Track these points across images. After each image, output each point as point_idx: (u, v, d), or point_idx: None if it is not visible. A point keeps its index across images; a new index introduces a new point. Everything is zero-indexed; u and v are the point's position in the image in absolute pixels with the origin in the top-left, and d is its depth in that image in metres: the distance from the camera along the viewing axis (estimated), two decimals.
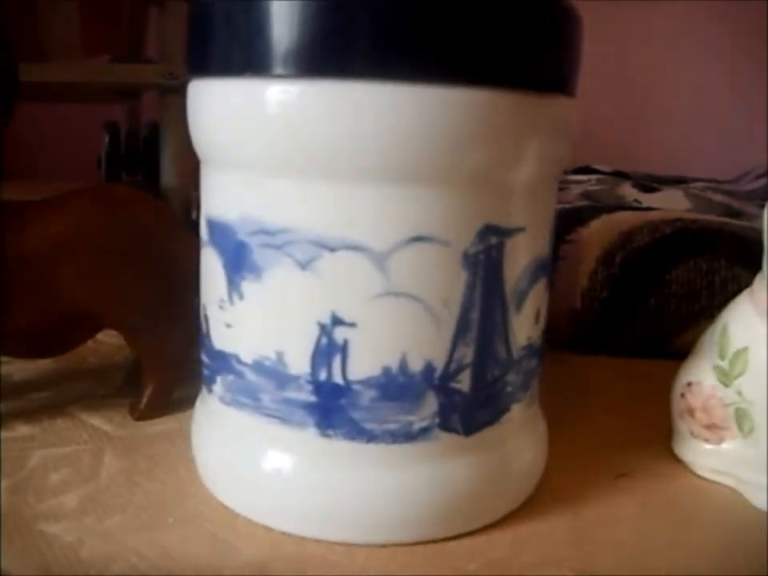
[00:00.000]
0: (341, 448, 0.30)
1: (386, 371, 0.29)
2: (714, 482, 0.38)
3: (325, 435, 0.30)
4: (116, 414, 0.43)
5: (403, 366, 0.30)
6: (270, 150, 0.29)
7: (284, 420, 0.31)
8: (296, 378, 0.30)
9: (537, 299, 0.33)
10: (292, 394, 0.30)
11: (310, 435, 0.31)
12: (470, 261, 0.29)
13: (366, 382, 0.30)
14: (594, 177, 0.88)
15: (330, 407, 0.30)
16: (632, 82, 1.19)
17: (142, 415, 0.42)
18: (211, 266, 0.33)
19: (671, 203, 0.74)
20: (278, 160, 0.29)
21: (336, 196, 0.29)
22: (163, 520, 0.33)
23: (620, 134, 1.16)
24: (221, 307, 0.32)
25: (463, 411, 0.31)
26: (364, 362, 0.30)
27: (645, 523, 0.34)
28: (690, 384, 0.38)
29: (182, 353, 0.42)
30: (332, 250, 0.29)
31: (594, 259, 0.55)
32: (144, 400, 0.43)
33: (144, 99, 1.07)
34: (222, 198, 0.32)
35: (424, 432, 0.30)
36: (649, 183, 0.85)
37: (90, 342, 0.54)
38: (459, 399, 0.31)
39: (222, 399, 0.33)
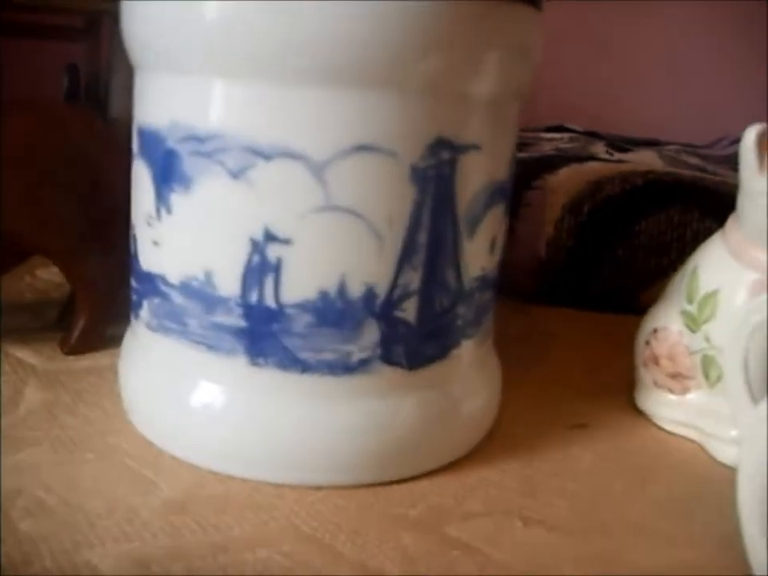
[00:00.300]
0: (272, 378, 0.28)
1: (323, 295, 0.27)
2: (676, 435, 0.36)
3: (255, 364, 0.28)
4: (45, 347, 0.41)
5: (342, 289, 0.27)
6: (204, 47, 0.26)
7: (211, 347, 0.28)
8: (225, 301, 0.27)
9: (492, 226, 0.30)
10: (220, 318, 0.28)
11: (239, 364, 0.28)
12: (418, 176, 0.27)
13: (301, 306, 0.27)
14: (566, 135, 0.85)
15: (261, 333, 0.27)
16: (609, 47, 1.16)
17: (72, 349, 0.40)
18: (140, 180, 0.30)
19: (644, 161, 0.72)
20: (210, 57, 0.26)
21: (273, 98, 0.26)
22: (80, 455, 0.30)
23: (594, 98, 1.13)
24: (148, 224, 0.29)
25: (408, 343, 0.28)
26: (299, 284, 0.27)
27: (600, 475, 0.32)
28: (655, 330, 0.36)
29: (116, 284, 0.39)
30: (267, 158, 0.26)
31: (560, 207, 0.52)
32: (75, 333, 0.40)
33: (104, 43, 1.02)
34: (153, 103, 0.29)
35: (364, 364, 0.28)
36: (622, 144, 0.83)
37: (27, 278, 0.51)
38: (404, 330, 0.28)
39: (148, 325, 0.30)
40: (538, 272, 0.53)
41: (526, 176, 0.54)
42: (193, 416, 0.29)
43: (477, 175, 0.29)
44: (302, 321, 0.27)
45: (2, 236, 0.36)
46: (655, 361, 0.36)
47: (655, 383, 0.36)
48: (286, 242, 0.26)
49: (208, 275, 0.28)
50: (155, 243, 0.29)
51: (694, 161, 0.80)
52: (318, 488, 0.29)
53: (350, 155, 0.26)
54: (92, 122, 0.39)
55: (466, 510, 0.29)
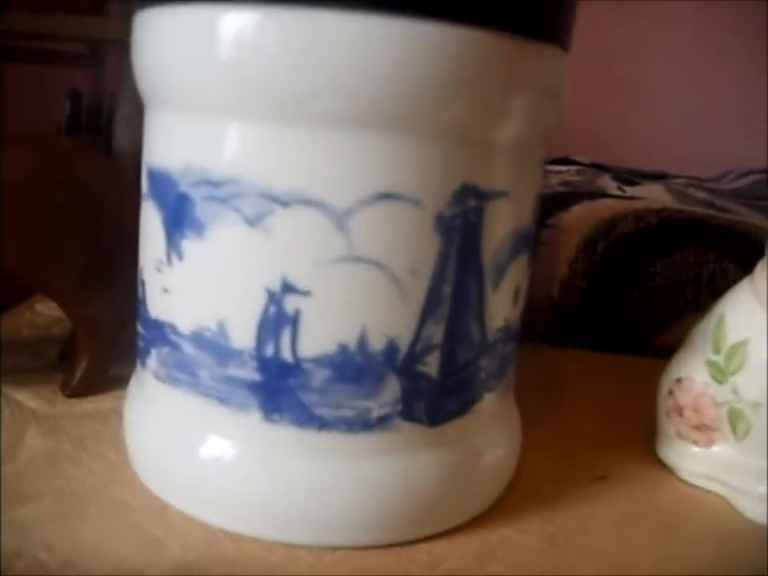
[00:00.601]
0: (287, 435, 0.26)
1: (342, 348, 0.26)
2: (701, 489, 0.35)
3: (270, 420, 0.26)
4: (46, 389, 0.39)
5: (362, 343, 0.26)
6: (219, 86, 0.25)
7: (224, 401, 0.27)
8: (239, 353, 0.26)
9: (517, 275, 0.29)
10: (234, 371, 0.26)
11: (253, 419, 0.27)
12: (444, 225, 0.26)
13: (319, 361, 0.26)
14: (573, 168, 0.85)
15: (277, 388, 0.26)
16: (614, 77, 1.16)
17: (73, 392, 0.38)
18: (150, 223, 0.29)
19: (654, 197, 0.71)
20: (226, 98, 0.25)
21: (293, 142, 0.25)
22: (83, 510, 0.29)
23: (600, 129, 1.13)
24: (158, 269, 0.28)
25: (429, 399, 0.27)
26: (317, 337, 0.26)
27: (626, 534, 0.31)
28: (679, 380, 0.35)
29: (120, 324, 0.38)
30: (285, 204, 0.25)
31: (574, 246, 0.51)
32: (77, 375, 0.38)
33: (109, 70, 1.02)
34: (165, 143, 0.28)
35: (383, 421, 0.27)
36: (629, 177, 0.82)
37: (26, 313, 0.50)
38: (425, 384, 0.27)
39: (156, 375, 0.29)
40: (551, 313, 0.52)
41: (540, 213, 0.53)
42: (202, 471, 0.28)
43: (503, 223, 0.28)
44: (320, 376, 0.26)
45: (2, 274, 0.35)
46: (679, 411, 0.35)
47: (678, 434, 0.35)
48: (305, 293, 0.25)
49: (221, 326, 0.26)
50: (165, 290, 0.28)
51: (701, 195, 0.80)
52: (335, 549, 0.28)
53: (372, 203, 0.25)
54: (95, 157, 0.38)
55: (489, 573, 0.27)
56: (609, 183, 0.78)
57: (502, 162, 0.27)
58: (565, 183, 0.75)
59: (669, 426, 0.36)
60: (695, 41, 1.16)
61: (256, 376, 0.26)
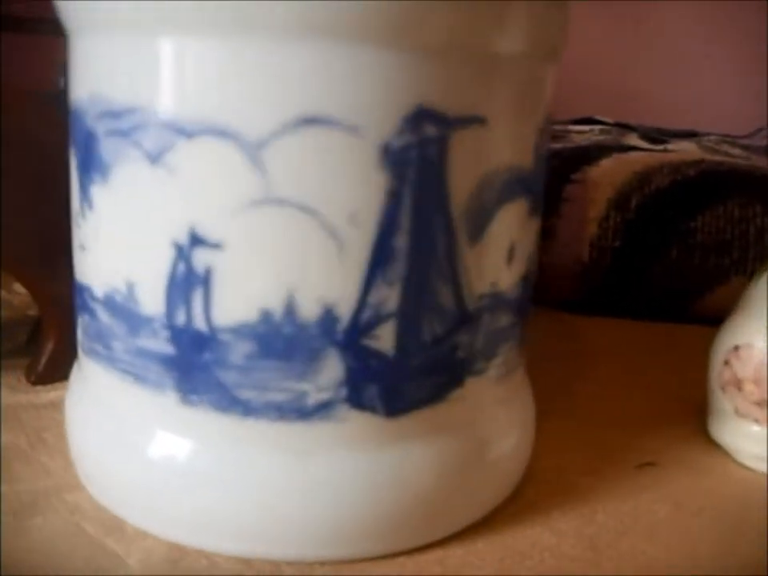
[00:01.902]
0: (209, 421, 0.22)
1: (266, 316, 0.20)
2: (763, 475, 0.30)
3: (187, 402, 0.22)
4: (10, 375, 0.35)
5: (290, 310, 0.20)
6: None
7: (138, 378, 0.22)
8: (149, 321, 0.21)
9: (509, 228, 0.23)
10: (145, 341, 0.22)
11: (169, 401, 0.22)
12: (392, 159, 0.20)
13: (238, 331, 0.21)
14: (596, 127, 0.80)
15: (191, 363, 0.21)
16: (639, 32, 1.11)
17: (39, 378, 0.35)
18: (72, 171, 0.24)
19: (688, 152, 0.66)
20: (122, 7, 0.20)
21: (196, 57, 0.20)
22: (30, 519, 0.24)
23: (625, 87, 1.08)
24: (77, 224, 0.24)
25: (384, 382, 0.21)
26: (234, 302, 0.21)
27: (680, 531, 0.26)
28: (737, 348, 0.30)
29: None
30: (189, 135, 0.20)
31: (604, 202, 0.46)
32: (42, 359, 0.34)
33: None
34: (76, 73, 0.23)
35: (324, 408, 0.21)
36: (657, 135, 0.77)
37: (3, 293, 0.46)
38: (378, 364, 0.21)
39: (82, 347, 0.25)
40: (580, 277, 0.47)
41: (564, 168, 0.48)
42: (121, 461, 0.23)
43: (480, 159, 0.22)
44: (241, 350, 0.21)
45: None
46: (737, 385, 0.30)
47: (737, 411, 0.30)
48: (216, 246, 0.20)
49: (130, 288, 0.22)
50: (81, 247, 0.24)
51: (736, 151, 0.75)
52: (291, 564, 0.23)
53: (294, 131, 0.19)
54: (45, 108, 0.33)
55: None
56: (636, 142, 0.73)
57: (478, 78, 0.21)
58: (589, 141, 0.70)
59: (724, 401, 0.31)
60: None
61: (168, 348, 0.21)
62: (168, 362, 0.21)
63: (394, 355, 0.21)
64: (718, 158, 0.57)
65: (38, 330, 0.38)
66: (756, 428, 0.30)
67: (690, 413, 0.34)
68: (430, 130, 0.20)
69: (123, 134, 0.20)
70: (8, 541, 0.23)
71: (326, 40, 0.19)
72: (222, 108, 0.19)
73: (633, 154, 0.50)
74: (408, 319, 0.21)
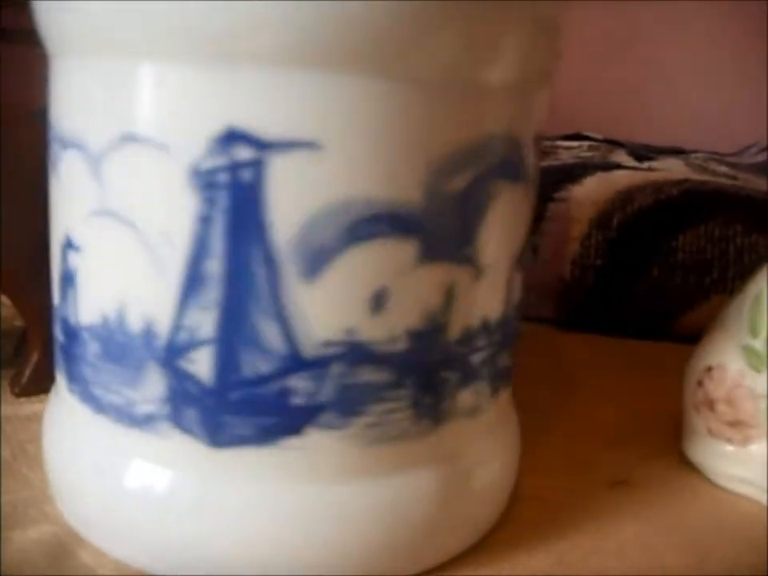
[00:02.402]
0: (80, 411, 0.23)
1: (105, 321, 0.22)
2: (736, 494, 0.30)
3: (70, 390, 0.24)
4: None
5: (121, 318, 0.21)
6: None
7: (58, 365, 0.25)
8: (56, 310, 0.24)
9: (373, 271, 0.21)
10: (57, 330, 0.25)
11: (62, 387, 0.25)
12: (201, 181, 0.20)
13: (90, 330, 0.22)
14: (585, 143, 0.80)
15: (70, 354, 0.24)
16: (631, 51, 1.11)
17: (23, 390, 0.35)
18: None
19: (673, 170, 0.67)
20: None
21: (66, 70, 0.22)
22: (8, 531, 0.25)
23: (614, 105, 1.09)
24: None
25: (204, 410, 0.21)
26: (88, 303, 0.23)
27: (649, 549, 0.26)
28: (710, 369, 0.30)
29: None
30: (64, 147, 0.22)
31: (587, 221, 0.47)
32: (26, 372, 0.35)
33: None
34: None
35: (149, 421, 0.22)
36: (645, 152, 0.77)
37: None
38: (195, 389, 0.21)
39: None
40: (562, 295, 0.47)
41: (548, 187, 0.48)
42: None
43: (317, 188, 0.20)
44: (92, 348, 0.22)
45: None
46: (710, 405, 0.30)
47: (710, 432, 0.31)
48: (77, 249, 0.22)
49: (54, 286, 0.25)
50: None
51: (722, 169, 0.75)
52: None
53: (119, 146, 0.20)
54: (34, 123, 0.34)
55: None
56: (624, 159, 0.73)
57: (308, 101, 0.19)
58: (577, 158, 0.70)
59: (698, 421, 0.31)
60: (715, 13, 1.11)
61: (60, 337, 0.24)
62: (60, 349, 0.24)
63: (211, 383, 0.21)
64: (703, 176, 0.57)
65: (23, 342, 0.38)
66: (729, 448, 0.30)
67: (665, 431, 0.34)
68: (243, 154, 0.19)
69: (50, 142, 0.23)
70: None
71: (134, 58, 0.20)
72: (75, 121, 0.21)
73: (616, 173, 0.51)
74: (226, 349, 0.20)
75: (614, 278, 0.47)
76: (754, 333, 0.29)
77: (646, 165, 0.59)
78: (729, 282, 0.45)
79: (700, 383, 0.31)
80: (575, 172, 0.51)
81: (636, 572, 0.25)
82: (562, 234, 0.47)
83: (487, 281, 0.23)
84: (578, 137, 0.85)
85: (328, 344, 0.21)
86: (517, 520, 0.27)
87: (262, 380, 0.21)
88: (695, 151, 0.86)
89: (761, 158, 0.89)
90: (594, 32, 0.99)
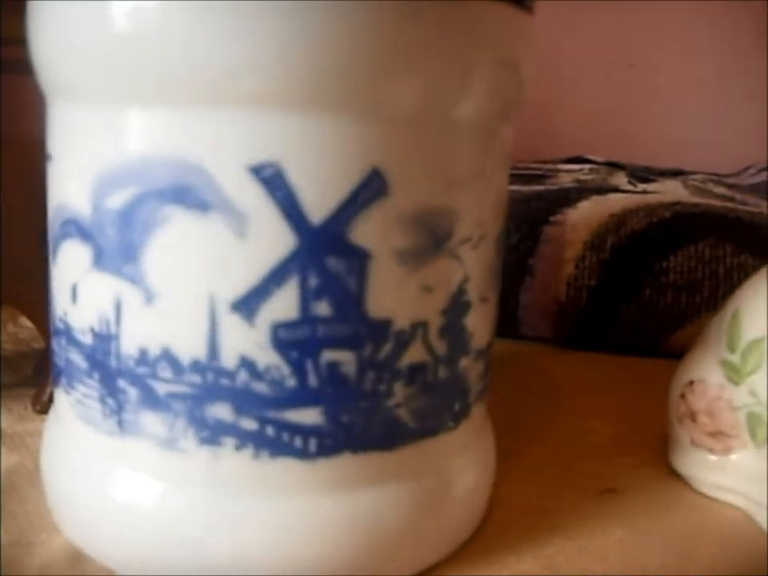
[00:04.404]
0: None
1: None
2: (718, 502, 0.32)
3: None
4: (18, 405, 0.37)
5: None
6: None
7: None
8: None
9: (69, 266, 0.24)
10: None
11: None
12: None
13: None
14: (586, 166, 0.82)
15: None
16: (631, 72, 1.13)
17: (44, 407, 0.36)
18: None
19: (670, 192, 0.68)
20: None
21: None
22: (33, 537, 0.27)
23: (615, 126, 1.10)
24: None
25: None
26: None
27: (633, 552, 0.28)
28: (691, 383, 0.32)
29: None
30: None
31: (581, 243, 0.48)
32: (48, 389, 0.36)
33: None
34: None
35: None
36: (644, 174, 0.79)
37: (9, 326, 0.48)
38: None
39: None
40: (557, 315, 0.49)
41: (545, 210, 0.50)
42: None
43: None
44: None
45: None
46: (692, 417, 0.32)
47: (692, 442, 0.32)
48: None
49: None
50: None
51: (720, 190, 0.77)
52: None
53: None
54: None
55: None
56: (622, 181, 0.75)
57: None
58: (576, 182, 0.72)
59: (681, 432, 0.33)
60: (714, 36, 1.13)
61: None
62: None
63: None
64: (700, 198, 0.59)
65: (43, 363, 0.40)
66: (711, 457, 0.32)
67: (652, 443, 0.36)
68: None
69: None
70: (14, 558, 0.25)
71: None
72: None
73: (611, 197, 0.53)
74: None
75: (607, 299, 0.48)
76: (731, 348, 0.30)
77: (641, 188, 0.61)
78: (719, 301, 0.46)
79: (683, 396, 0.32)
80: (571, 196, 0.53)
81: (620, 573, 0.27)
82: (558, 256, 0.49)
83: (167, 309, 0.22)
84: (579, 160, 0.86)
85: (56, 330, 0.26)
86: (507, 525, 0.29)
87: None
88: (694, 172, 0.88)
89: (759, 178, 0.90)
90: (596, 56, 1.01)
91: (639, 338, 0.48)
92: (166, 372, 0.22)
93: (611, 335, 0.49)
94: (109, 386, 0.23)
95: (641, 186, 0.66)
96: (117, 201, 0.22)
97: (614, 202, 0.51)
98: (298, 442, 0.22)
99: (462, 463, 0.26)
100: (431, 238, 0.23)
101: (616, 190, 0.57)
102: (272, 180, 0.20)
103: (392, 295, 0.22)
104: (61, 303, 0.25)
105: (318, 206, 0.21)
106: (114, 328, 0.23)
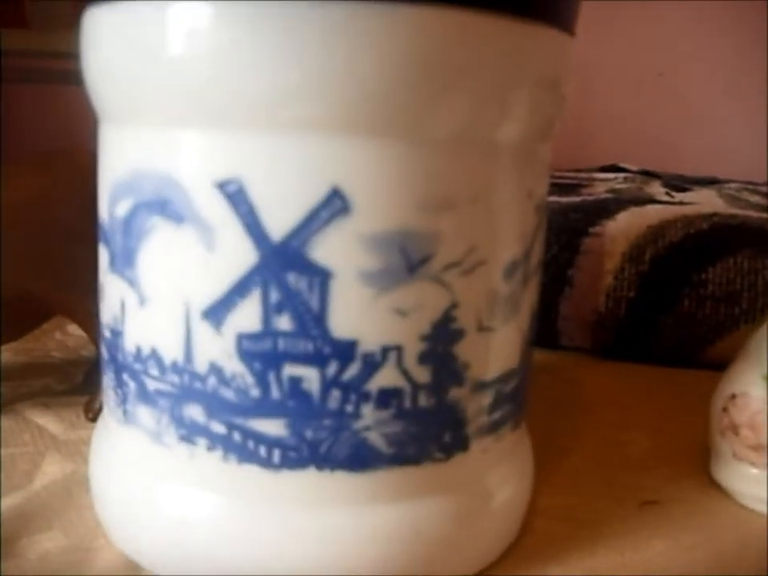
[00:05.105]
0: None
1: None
2: (761, 515, 0.32)
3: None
4: (69, 412, 0.38)
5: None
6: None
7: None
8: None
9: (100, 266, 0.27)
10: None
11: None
12: None
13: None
14: (620, 175, 0.82)
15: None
16: (665, 82, 1.13)
17: (96, 415, 0.37)
18: None
19: (706, 202, 0.68)
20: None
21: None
22: (93, 542, 0.28)
23: (648, 134, 1.10)
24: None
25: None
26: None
27: (675, 565, 0.28)
28: (734, 396, 0.32)
29: None
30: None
31: (620, 255, 0.49)
32: (100, 397, 0.37)
33: None
34: None
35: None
36: (679, 183, 0.79)
37: (56, 334, 0.49)
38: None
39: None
40: (596, 325, 0.49)
41: (584, 221, 0.51)
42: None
43: None
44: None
45: (19, 298, 0.34)
46: (734, 430, 0.32)
47: (734, 455, 0.32)
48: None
49: None
50: None
51: (755, 199, 0.76)
52: None
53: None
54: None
55: None
56: (658, 190, 0.75)
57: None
58: (612, 191, 0.72)
59: (724, 445, 0.33)
60: (744, 41, 1.12)
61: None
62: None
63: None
64: (735, 207, 0.59)
65: (93, 370, 0.41)
66: (753, 470, 0.32)
67: (694, 455, 0.36)
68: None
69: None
70: (80, 563, 0.26)
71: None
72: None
73: (649, 208, 0.53)
74: None
75: (646, 310, 0.48)
76: None
77: (678, 198, 0.61)
78: (757, 312, 0.47)
79: (725, 409, 0.33)
80: (610, 207, 0.53)
81: None
82: (597, 267, 0.49)
83: (154, 312, 0.24)
84: (614, 168, 0.87)
85: None
86: (549, 536, 0.29)
87: None
88: (729, 181, 0.87)
89: None
90: (630, 65, 1.01)
91: (678, 349, 0.49)
92: (154, 370, 0.24)
93: (650, 346, 0.49)
94: (117, 378, 0.25)
95: (678, 196, 0.66)
96: (121, 209, 0.24)
97: (652, 214, 0.52)
98: (262, 450, 0.23)
99: (448, 498, 0.25)
100: (402, 260, 0.22)
101: (653, 200, 0.57)
102: (235, 196, 0.21)
103: (357, 316, 0.22)
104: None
105: (278, 222, 0.21)
106: (120, 325, 0.25)
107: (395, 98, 0.21)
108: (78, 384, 0.42)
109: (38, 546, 0.27)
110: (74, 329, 0.50)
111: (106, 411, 0.27)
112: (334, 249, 0.21)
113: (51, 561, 0.26)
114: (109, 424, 0.27)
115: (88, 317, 0.36)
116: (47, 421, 0.37)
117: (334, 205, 0.21)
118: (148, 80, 0.22)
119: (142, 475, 0.25)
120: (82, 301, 0.35)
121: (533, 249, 0.25)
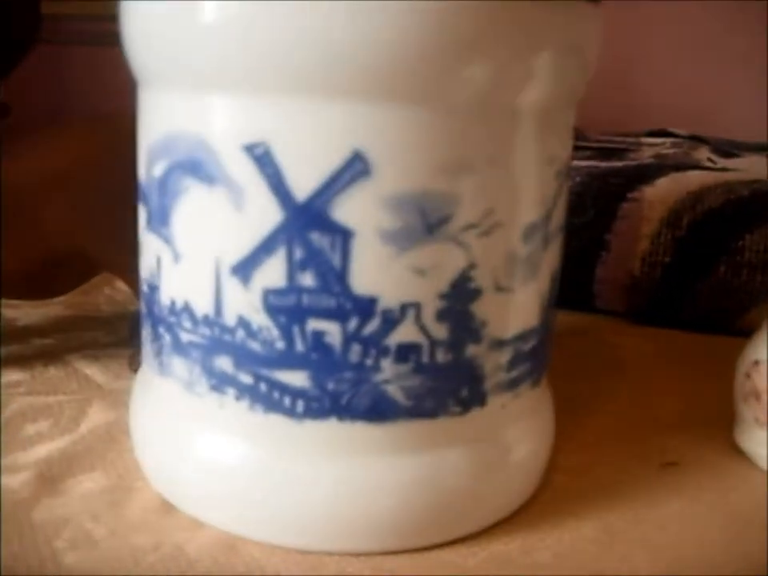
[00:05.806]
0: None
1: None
2: None
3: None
4: (114, 364, 0.40)
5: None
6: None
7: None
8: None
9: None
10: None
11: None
12: None
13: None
14: (668, 140, 0.81)
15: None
16: (717, 48, 1.10)
17: (139, 367, 0.39)
18: None
19: (752, 169, 0.67)
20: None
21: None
22: (132, 483, 0.29)
23: (699, 101, 1.08)
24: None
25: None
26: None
27: (690, 524, 0.29)
28: (757, 363, 0.33)
29: None
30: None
31: (658, 220, 0.49)
32: (142, 350, 0.39)
33: None
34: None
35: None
36: (728, 148, 0.78)
37: (106, 289, 0.51)
38: None
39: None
40: (631, 290, 0.49)
41: (623, 187, 0.51)
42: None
43: None
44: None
45: (67, 255, 0.36)
46: (756, 396, 0.33)
47: (756, 420, 0.33)
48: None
49: None
50: None
51: None
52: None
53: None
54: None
55: (533, 559, 0.26)
56: (704, 156, 0.74)
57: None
58: (657, 156, 0.71)
59: (746, 411, 0.33)
60: None
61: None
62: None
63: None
64: None
65: (137, 324, 0.43)
66: None
67: (720, 420, 0.36)
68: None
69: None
70: (120, 500, 0.28)
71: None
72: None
73: (689, 174, 0.53)
74: None
75: (681, 275, 0.48)
76: None
77: (720, 164, 0.60)
78: None
79: (748, 375, 0.33)
80: (650, 173, 0.53)
81: (676, 541, 0.28)
82: (634, 231, 0.49)
83: (187, 268, 0.25)
84: (662, 133, 0.85)
85: None
86: (569, 493, 0.30)
87: None
88: None
89: None
90: (682, 30, 0.99)
91: (712, 315, 0.49)
92: (187, 322, 0.26)
93: (684, 312, 0.49)
94: (154, 330, 0.27)
95: (721, 162, 0.65)
96: (157, 170, 0.25)
97: (693, 179, 0.51)
98: (286, 401, 0.24)
99: (465, 451, 0.26)
100: (421, 220, 0.23)
101: (695, 166, 0.57)
102: (262, 158, 0.23)
103: (377, 273, 0.23)
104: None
105: (302, 183, 0.23)
106: (157, 280, 0.27)
107: (418, 64, 0.22)
108: (124, 337, 0.43)
109: (81, 485, 0.29)
110: (122, 284, 0.52)
111: (144, 363, 0.29)
112: (355, 209, 0.23)
113: (93, 499, 0.28)
114: (147, 375, 0.29)
115: (132, 273, 0.37)
116: (94, 371, 0.39)
117: (356, 167, 0.22)
118: (182, 44, 0.23)
119: (177, 422, 0.27)
120: (126, 258, 0.37)
121: (553, 212, 0.26)
